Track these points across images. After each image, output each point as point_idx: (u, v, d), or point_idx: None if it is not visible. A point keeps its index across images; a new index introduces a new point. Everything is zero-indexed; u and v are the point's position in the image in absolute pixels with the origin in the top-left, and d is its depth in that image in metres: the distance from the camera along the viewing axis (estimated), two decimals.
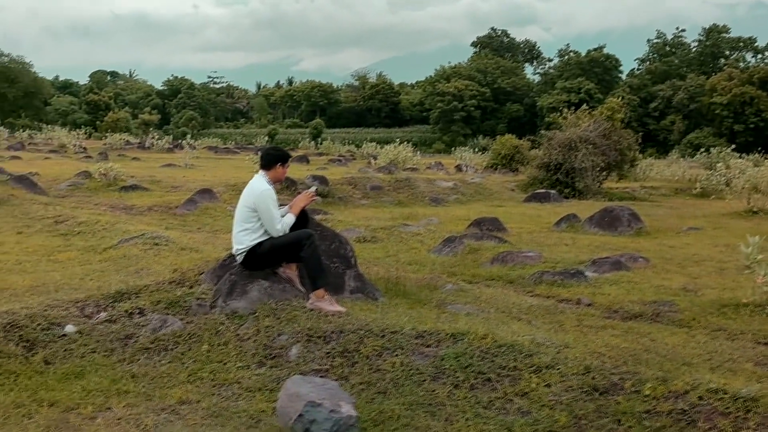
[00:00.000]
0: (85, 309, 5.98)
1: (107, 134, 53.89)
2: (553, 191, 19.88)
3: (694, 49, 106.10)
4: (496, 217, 13.15)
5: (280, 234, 5.93)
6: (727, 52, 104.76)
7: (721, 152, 26.44)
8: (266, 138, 72.65)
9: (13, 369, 5.00)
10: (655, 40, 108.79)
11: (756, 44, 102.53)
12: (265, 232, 5.97)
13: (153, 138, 46.11)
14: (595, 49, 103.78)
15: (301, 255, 5.91)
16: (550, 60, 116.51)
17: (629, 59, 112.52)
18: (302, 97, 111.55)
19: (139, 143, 46.64)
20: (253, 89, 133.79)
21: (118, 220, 11.55)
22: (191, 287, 6.35)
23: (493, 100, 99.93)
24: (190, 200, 14.18)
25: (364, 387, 4.82)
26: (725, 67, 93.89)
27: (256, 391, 4.86)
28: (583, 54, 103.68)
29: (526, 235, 12.66)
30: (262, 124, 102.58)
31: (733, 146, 31.08)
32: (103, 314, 5.92)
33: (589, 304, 6.97)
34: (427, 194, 19.05)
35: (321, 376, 4.95)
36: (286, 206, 6.22)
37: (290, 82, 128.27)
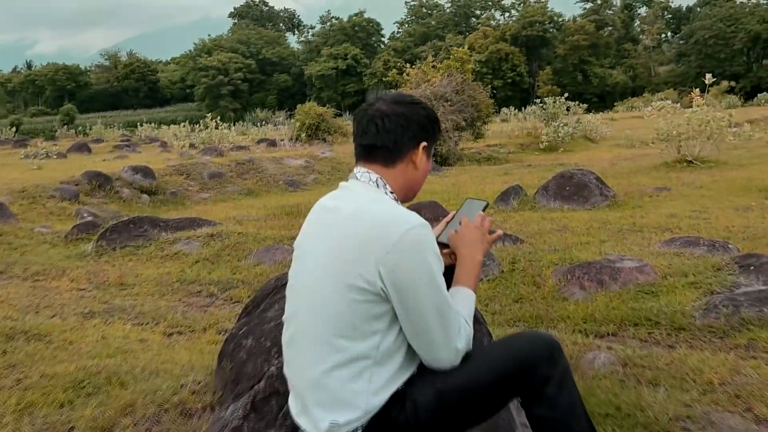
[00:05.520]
0: None
1: None
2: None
3: (448, 10, 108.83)
4: (435, 201, 9.61)
5: (462, 355, 1.94)
6: (478, 12, 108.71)
7: (555, 103, 24.80)
8: (12, 129, 62.30)
9: None
10: (412, 3, 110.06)
11: (502, 2, 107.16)
12: (412, 357, 1.96)
13: None
14: (356, 15, 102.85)
15: (535, 412, 1.97)
16: (312, 27, 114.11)
17: (389, 23, 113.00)
18: (46, 82, 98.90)
19: None
20: None
21: None
22: None
23: (259, 72, 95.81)
24: None
25: None
26: (479, 26, 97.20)
27: None
28: (345, 20, 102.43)
29: None
30: (1, 114, 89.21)
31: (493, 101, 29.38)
32: None
33: None
34: (279, 177, 14.94)
35: None
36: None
37: (29, 66, 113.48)
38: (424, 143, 2.08)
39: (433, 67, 22.14)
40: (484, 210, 2.34)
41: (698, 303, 4.63)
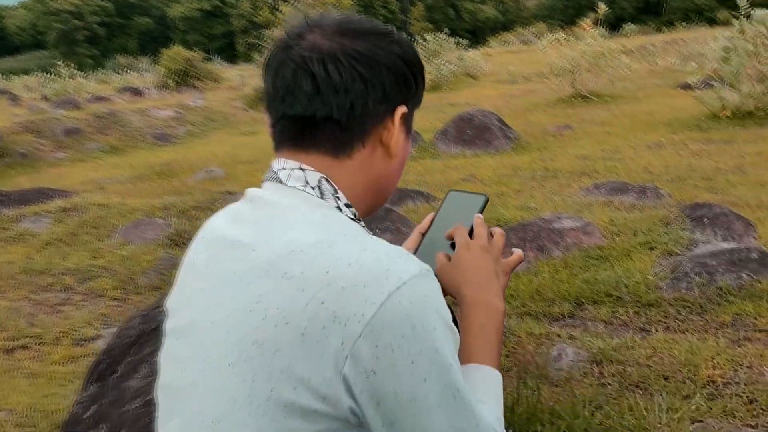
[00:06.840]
0: None
1: None
2: None
3: None
4: None
5: None
6: None
7: (436, 39, 24.01)
8: None
9: None
10: None
11: None
12: None
13: None
14: None
15: None
16: None
17: None
18: None
19: None
20: None
21: None
22: None
23: (117, 15, 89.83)
24: None
25: None
26: None
27: None
28: None
29: None
30: None
31: None
32: None
33: None
34: (146, 131, 13.42)
35: None
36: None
37: None
38: (404, 108, 1.10)
39: (309, 4, 20.82)
40: (482, 211, 1.37)
41: (661, 270, 3.94)
